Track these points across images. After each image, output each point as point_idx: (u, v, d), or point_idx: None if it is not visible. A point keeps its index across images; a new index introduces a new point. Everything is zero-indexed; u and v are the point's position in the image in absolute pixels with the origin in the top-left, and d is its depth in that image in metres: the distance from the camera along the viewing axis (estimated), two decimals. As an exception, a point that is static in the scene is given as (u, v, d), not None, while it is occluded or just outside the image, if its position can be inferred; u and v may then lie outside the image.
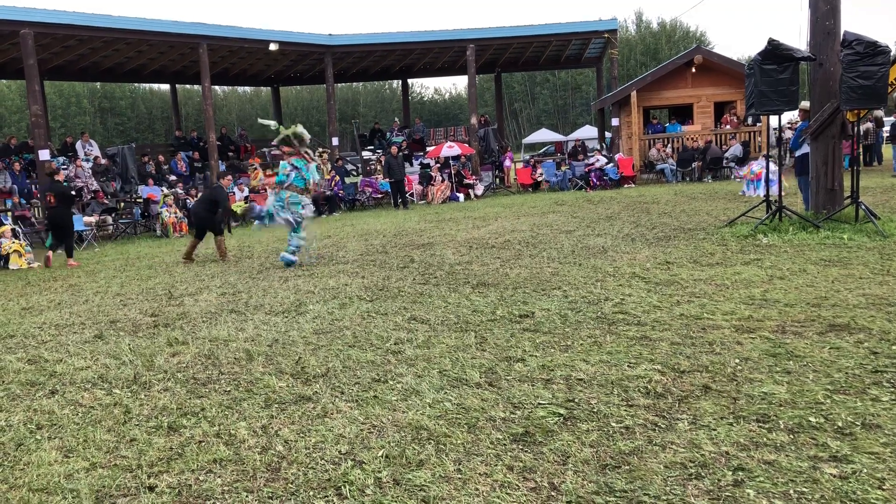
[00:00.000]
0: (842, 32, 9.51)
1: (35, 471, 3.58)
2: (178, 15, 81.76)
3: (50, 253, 12.67)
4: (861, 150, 20.68)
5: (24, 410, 4.53)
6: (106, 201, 18.23)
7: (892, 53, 9.37)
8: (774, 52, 9.38)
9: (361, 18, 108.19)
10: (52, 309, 8.13)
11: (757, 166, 15.82)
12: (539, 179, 23.06)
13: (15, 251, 12.87)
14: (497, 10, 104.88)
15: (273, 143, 9.99)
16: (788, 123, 22.77)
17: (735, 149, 21.32)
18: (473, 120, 24.71)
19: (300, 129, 10.26)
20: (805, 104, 11.22)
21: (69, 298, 8.76)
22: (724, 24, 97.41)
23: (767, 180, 10.65)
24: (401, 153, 21.73)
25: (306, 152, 10.19)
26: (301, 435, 3.79)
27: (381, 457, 3.44)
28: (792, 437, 3.35)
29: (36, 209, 18.25)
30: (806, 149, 10.76)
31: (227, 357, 5.42)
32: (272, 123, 10.51)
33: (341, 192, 21.23)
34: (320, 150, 11.13)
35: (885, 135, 20.55)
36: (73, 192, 14.80)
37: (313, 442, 3.68)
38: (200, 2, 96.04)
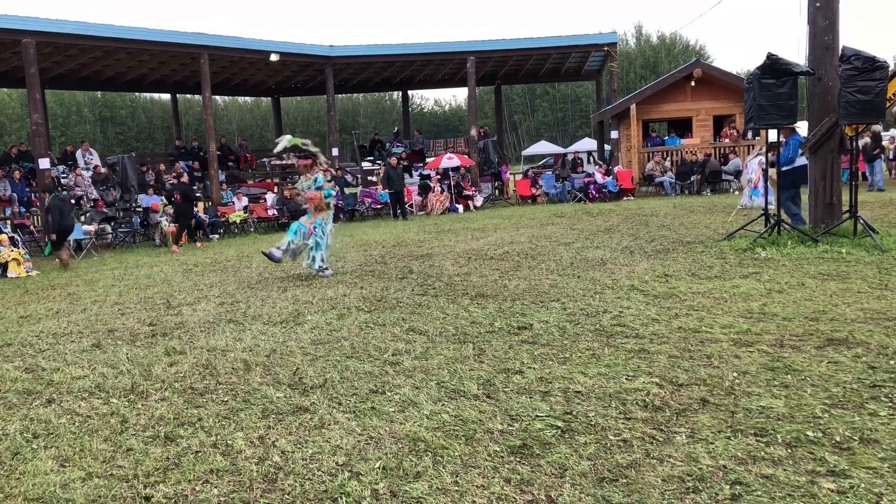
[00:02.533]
0: (840, 47, 9.56)
1: (31, 480, 3.56)
2: (180, 25, 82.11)
3: (176, 248, 15.47)
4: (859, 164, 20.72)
5: (20, 419, 4.51)
6: (105, 210, 18.22)
7: (890, 69, 9.41)
8: (773, 67, 9.42)
9: (362, 30, 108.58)
10: (49, 317, 8.12)
11: (752, 171, 15.79)
12: (537, 194, 23.05)
13: (13, 259, 12.87)
14: (497, 23, 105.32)
15: (295, 155, 9.78)
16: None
17: (734, 163, 21.36)
18: (473, 131, 24.77)
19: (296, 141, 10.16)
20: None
21: (67, 307, 8.75)
22: (724, 38, 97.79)
23: (766, 191, 10.66)
24: (400, 164, 21.77)
25: (326, 166, 10.11)
26: (298, 446, 3.79)
27: (379, 468, 3.44)
28: (790, 451, 3.35)
29: (35, 217, 18.26)
30: (799, 162, 10.80)
31: (225, 367, 5.41)
32: (286, 140, 10.09)
33: (340, 202, 21.26)
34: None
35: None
36: (197, 193, 19.12)
37: (310, 453, 3.68)
38: (202, 12, 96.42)
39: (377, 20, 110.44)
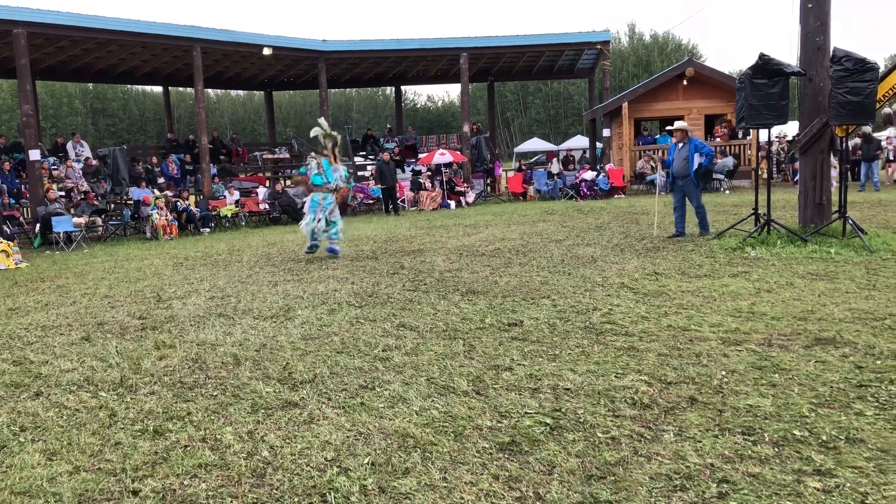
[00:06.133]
0: (832, 48, 9.61)
1: (18, 473, 3.55)
2: (173, 17, 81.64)
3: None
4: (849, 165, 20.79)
5: (7, 412, 4.50)
6: (96, 202, 18.13)
7: (880, 70, 9.46)
8: (765, 67, 9.45)
9: (356, 25, 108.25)
10: (38, 310, 8.08)
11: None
12: (529, 192, 23.04)
13: (2, 251, 12.79)
14: (491, 20, 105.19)
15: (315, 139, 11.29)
16: (776, 137, 22.90)
17: (727, 161, 21.41)
18: (466, 128, 24.75)
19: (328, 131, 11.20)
20: (681, 124, 11.34)
21: (56, 299, 8.71)
22: (716, 38, 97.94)
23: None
24: (392, 159, 21.75)
25: (334, 154, 11.14)
26: (287, 441, 3.79)
27: (367, 464, 3.44)
28: (777, 450, 3.37)
29: (25, 209, 18.14)
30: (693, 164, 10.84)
31: (215, 361, 5.40)
32: (321, 127, 11.22)
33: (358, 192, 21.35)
34: (312, 154, 11.54)
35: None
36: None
37: (299, 448, 3.68)
38: (195, 5, 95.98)
39: (371, 15, 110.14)
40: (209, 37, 21.00)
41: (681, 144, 11.18)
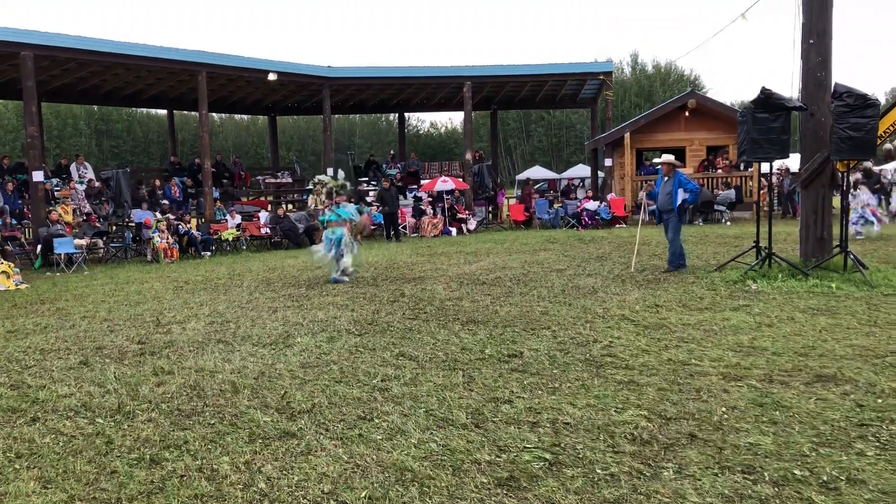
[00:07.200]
0: (833, 84, 9.67)
1: (12, 502, 3.53)
2: (179, 42, 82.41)
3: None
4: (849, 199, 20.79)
5: (3, 438, 4.47)
6: (98, 224, 18.15)
7: (881, 105, 9.52)
8: (767, 101, 9.52)
9: (360, 52, 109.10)
10: (37, 333, 8.07)
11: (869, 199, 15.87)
12: (532, 213, 23.13)
13: (3, 272, 12.79)
14: (495, 49, 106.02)
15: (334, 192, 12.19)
16: (778, 170, 22.97)
17: (729, 193, 21.47)
18: (468, 156, 24.85)
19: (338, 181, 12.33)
20: (667, 157, 11.38)
21: (56, 322, 8.70)
22: (719, 69, 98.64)
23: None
24: (393, 186, 21.83)
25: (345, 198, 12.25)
26: (284, 472, 3.76)
27: (365, 498, 3.41)
28: (777, 489, 3.35)
29: (27, 229, 18.17)
30: (680, 198, 10.79)
31: (213, 389, 5.38)
32: (337, 178, 12.40)
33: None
34: (315, 180, 11.99)
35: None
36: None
37: (296, 480, 3.65)
38: (201, 30, 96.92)
39: (375, 44, 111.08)
40: (215, 61, 21.14)
41: (666, 178, 11.19)
